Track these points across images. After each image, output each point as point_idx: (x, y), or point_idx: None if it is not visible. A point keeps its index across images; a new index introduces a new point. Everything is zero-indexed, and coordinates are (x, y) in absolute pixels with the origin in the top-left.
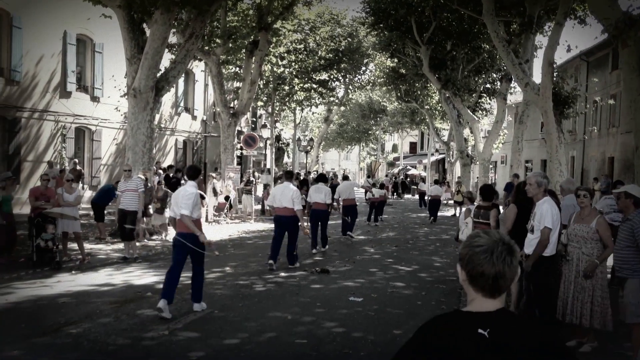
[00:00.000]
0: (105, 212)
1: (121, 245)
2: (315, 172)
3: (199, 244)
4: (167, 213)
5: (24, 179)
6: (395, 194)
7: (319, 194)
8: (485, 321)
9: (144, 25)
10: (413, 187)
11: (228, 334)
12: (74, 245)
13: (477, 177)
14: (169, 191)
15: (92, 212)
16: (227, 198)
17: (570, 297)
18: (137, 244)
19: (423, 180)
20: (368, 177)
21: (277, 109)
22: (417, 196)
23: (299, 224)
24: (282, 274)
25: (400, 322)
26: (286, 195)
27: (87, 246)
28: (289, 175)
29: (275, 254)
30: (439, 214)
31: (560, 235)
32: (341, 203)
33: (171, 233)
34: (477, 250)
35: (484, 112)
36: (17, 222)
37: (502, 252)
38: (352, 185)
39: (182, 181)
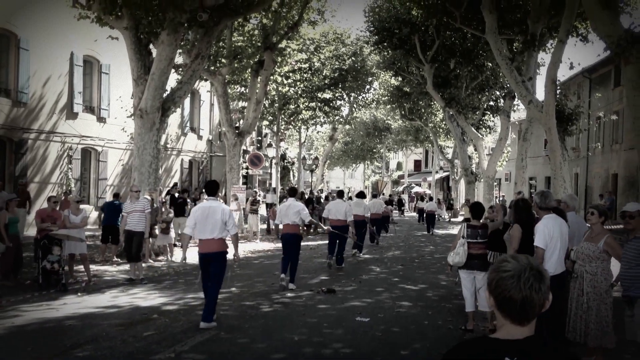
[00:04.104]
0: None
1: (127, 267)
2: (320, 191)
3: (300, 241)
4: (172, 233)
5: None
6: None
7: (359, 208)
8: (512, 349)
9: (151, 46)
10: (412, 203)
11: (235, 355)
12: (80, 267)
13: (502, 196)
14: (172, 211)
15: (99, 233)
16: None
17: (572, 315)
18: (143, 265)
19: (421, 198)
20: (374, 195)
21: (283, 128)
22: (414, 213)
23: (349, 231)
24: (289, 294)
25: (407, 343)
26: (340, 210)
27: (93, 267)
28: (341, 194)
29: (332, 253)
30: (445, 232)
31: (570, 252)
32: (369, 216)
33: (176, 255)
34: (504, 276)
35: (488, 129)
36: (23, 244)
37: (529, 277)
38: (379, 202)
39: (188, 200)
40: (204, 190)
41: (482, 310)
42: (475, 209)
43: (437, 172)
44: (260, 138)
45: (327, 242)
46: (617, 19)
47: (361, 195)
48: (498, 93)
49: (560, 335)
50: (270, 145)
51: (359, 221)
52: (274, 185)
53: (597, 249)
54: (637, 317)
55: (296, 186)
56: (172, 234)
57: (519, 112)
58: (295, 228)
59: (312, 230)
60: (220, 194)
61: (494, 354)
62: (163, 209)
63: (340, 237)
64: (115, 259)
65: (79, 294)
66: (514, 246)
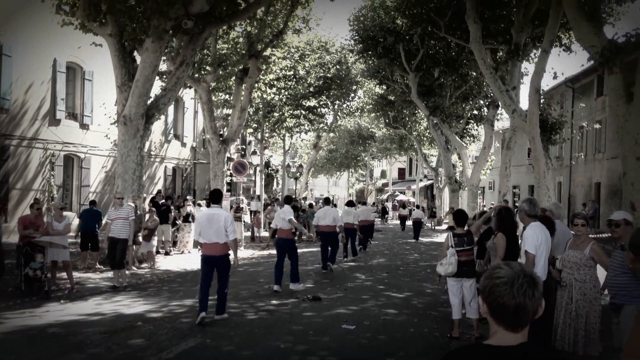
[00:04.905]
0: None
1: (110, 274)
2: (304, 198)
3: (294, 245)
4: (154, 241)
5: (12, 207)
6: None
7: (348, 216)
8: (505, 355)
9: (135, 53)
10: (395, 212)
11: None
12: (63, 274)
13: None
14: (157, 219)
15: (79, 240)
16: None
17: (560, 324)
18: (127, 272)
19: (403, 206)
20: (363, 203)
21: (267, 135)
22: (398, 221)
23: (338, 236)
24: (274, 302)
25: (393, 350)
26: (329, 216)
27: (76, 275)
28: (327, 201)
29: (325, 260)
30: (429, 239)
31: (555, 261)
32: (357, 223)
33: (159, 262)
34: (497, 282)
35: (472, 138)
36: (5, 251)
37: (522, 284)
38: (369, 210)
39: (190, 207)
40: (209, 198)
41: (469, 317)
42: (459, 216)
43: (421, 180)
44: (244, 146)
45: (311, 250)
46: (600, 30)
47: (350, 204)
48: (482, 102)
49: (548, 343)
50: (254, 152)
51: (348, 229)
52: (258, 193)
53: (584, 256)
54: (623, 324)
55: (292, 195)
56: (155, 241)
57: (503, 121)
58: (288, 233)
59: (296, 238)
60: (202, 202)
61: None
62: (147, 216)
63: (332, 242)
64: (97, 266)
65: (62, 301)
66: (500, 254)
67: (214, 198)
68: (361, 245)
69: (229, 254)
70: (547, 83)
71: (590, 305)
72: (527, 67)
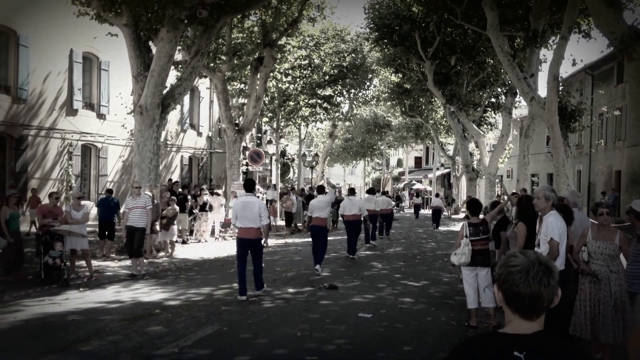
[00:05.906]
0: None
1: (128, 262)
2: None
3: (326, 233)
4: (174, 230)
5: (30, 197)
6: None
7: (370, 203)
8: (521, 344)
9: (150, 43)
10: (411, 200)
11: (238, 351)
12: (82, 263)
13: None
14: (177, 208)
15: (97, 229)
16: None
17: (606, 316)
18: (145, 260)
19: (417, 195)
20: (384, 192)
21: (282, 124)
22: (412, 209)
23: (362, 224)
24: (290, 290)
25: (410, 339)
26: (355, 205)
27: (95, 263)
28: (353, 192)
29: (352, 246)
30: (448, 228)
31: (581, 253)
32: (379, 210)
33: (177, 251)
34: (512, 270)
35: (489, 126)
36: (24, 240)
37: (538, 272)
38: (387, 199)
39: (206, 197)
40: (243, 187)
41: (485, 307)
42: (473, 206)
43: (438, 168)
44: (260, 135)
45: (328, 238)
46: (620, 16)
47: (371, 191)
48: (499, 90)
49: (566, 332)
50: (270, 142)
51: (370, 215)
52: (274, 182)
53: (616, 247)
54: (637, 313)
55: (323, 184)
56: (175, 230)
57: (521, 109)
58: (323, 221)
59: (335, 226)
60: (220, 190)
61: (503, 348)
62: (168, 206)
63: (353, 229)
64: (111, 255)
65: (81, 289)
66: (520, 243)
67: (248, 187)
68: (386, 234)
69: (261, 238)
70: (566, 70)
71: (622, 295)
72: (546, 54)
